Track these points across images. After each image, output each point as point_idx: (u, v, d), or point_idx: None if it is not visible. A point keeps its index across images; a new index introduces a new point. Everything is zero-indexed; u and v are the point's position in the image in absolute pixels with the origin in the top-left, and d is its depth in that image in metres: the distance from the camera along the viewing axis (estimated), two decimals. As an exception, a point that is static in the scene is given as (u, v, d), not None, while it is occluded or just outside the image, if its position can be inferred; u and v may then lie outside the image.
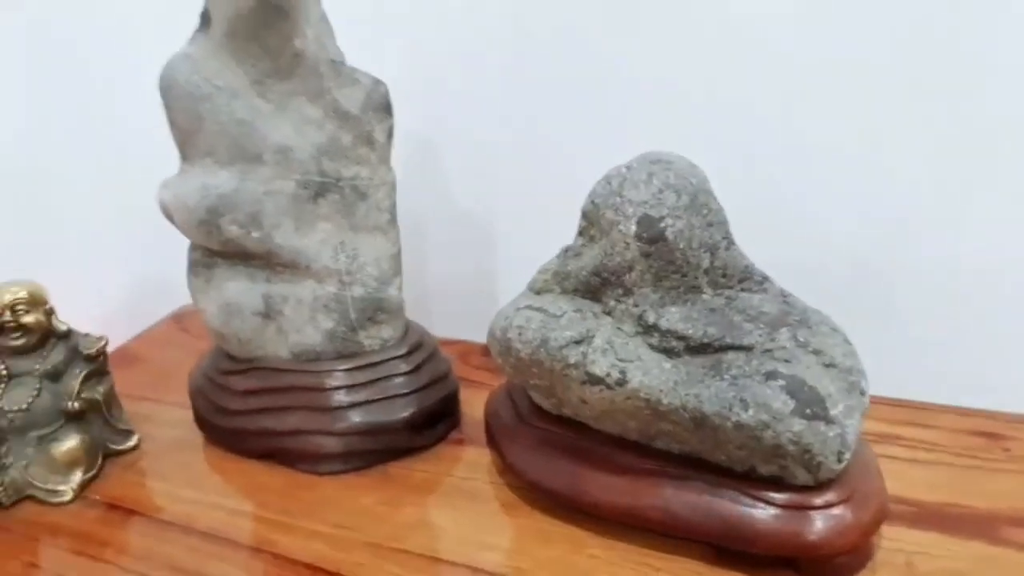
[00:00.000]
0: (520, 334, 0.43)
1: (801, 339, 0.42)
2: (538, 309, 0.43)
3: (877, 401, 0.53)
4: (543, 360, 0.42)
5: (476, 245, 0.68)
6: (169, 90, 0.47)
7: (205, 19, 0.47)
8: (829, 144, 0.55)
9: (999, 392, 0.53)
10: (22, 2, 0.61)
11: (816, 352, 0.42)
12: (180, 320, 0.72)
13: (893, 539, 0.43)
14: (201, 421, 0.54)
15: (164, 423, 0.57)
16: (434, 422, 0.52)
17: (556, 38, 0.58)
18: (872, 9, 0.51)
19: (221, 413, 0.52)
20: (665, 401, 0.40)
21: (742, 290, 0.44)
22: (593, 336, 0.42)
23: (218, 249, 0.49)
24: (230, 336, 0.51)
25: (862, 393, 0.42)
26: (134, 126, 0.57)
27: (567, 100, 0.59)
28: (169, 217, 0.49)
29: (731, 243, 0.44)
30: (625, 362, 0.41)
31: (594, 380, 0.41)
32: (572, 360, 0.41)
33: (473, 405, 0.55)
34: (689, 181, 0.42)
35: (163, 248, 0.57)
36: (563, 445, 0.46)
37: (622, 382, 0.41)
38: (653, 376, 0.41)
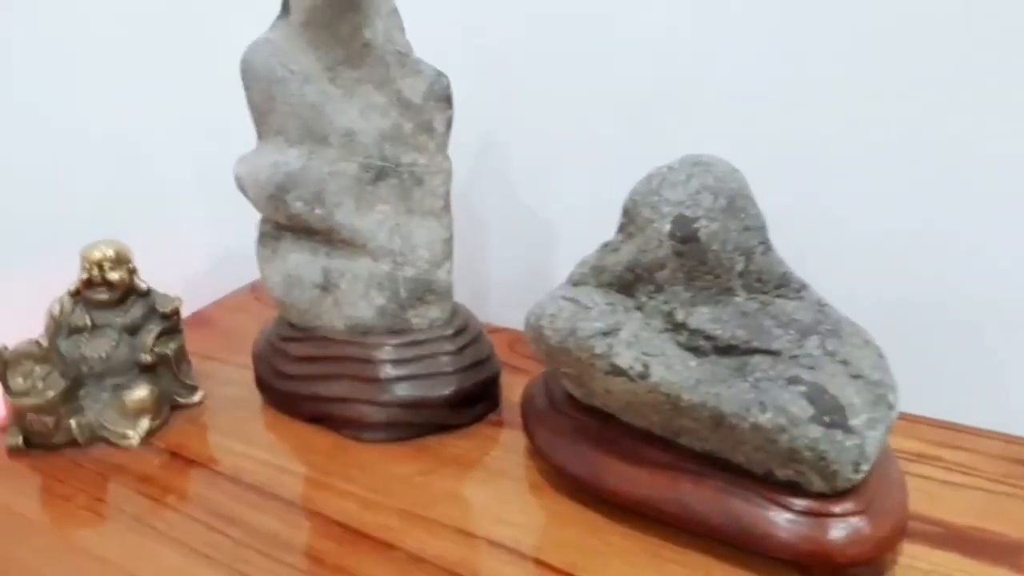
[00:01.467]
0: (551, 322, 0.45)
1: (830, 348, 0.42)
2: (571, 300, 0.45)
3: (920, 421, 0.53)
4: (571, 349, 0.44)
5: (536, 238, 0.70)
6: (248, 72, 0.50)
7: (286, 7, 0.50)
8: (889, 161, 0.54)
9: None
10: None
11: (844, 362, 0.42)
12: (256, 289, 0.76)
13: (912, 557, 0.43)
14: (261, 383, 0.58)
15: (228, 382, 0.61)
16: (473, 402, 0.55)
17: (622, 38, 0.60)
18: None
19: (278, 376, 0.56)
20: (685, 397, 0.41)
21: (778, 296, 0.45)
22: (620, 329, 0.43)
23: (284, 223, 0.53)
24: (291, 305, 0.54)
25: (890, 407, 0.42)
26: (223, 102, 0.61)
27: (628, 97, 0.60)
28: (243, 190, 0.52)
29: (768, 248, 0.44)
30: (649, 356, 0.42)
31: (617, 372, 0.42)
32: (598, 351, 0.43)
33: (515, 391, 0.56)
34: (728, 185, 0.43)
35: (248, 222, 0.61)
36: (590, 434, 0.47)
37: (644, 375, 0.42)
38: (675, 372, 0.42)
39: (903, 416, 0.52)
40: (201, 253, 0.77)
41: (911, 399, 0.51)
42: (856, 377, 0.41)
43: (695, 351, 0.43)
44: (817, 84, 0.55)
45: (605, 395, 0.45)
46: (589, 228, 0.62)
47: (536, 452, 0.51)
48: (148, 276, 0.57)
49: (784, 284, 0.45)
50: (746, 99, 0.57)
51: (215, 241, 0.76)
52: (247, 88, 0.51)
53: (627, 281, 0.45)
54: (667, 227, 0.42)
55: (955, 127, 0.52)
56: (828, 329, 0.43)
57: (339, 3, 0.48)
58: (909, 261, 0.55)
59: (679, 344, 0.43)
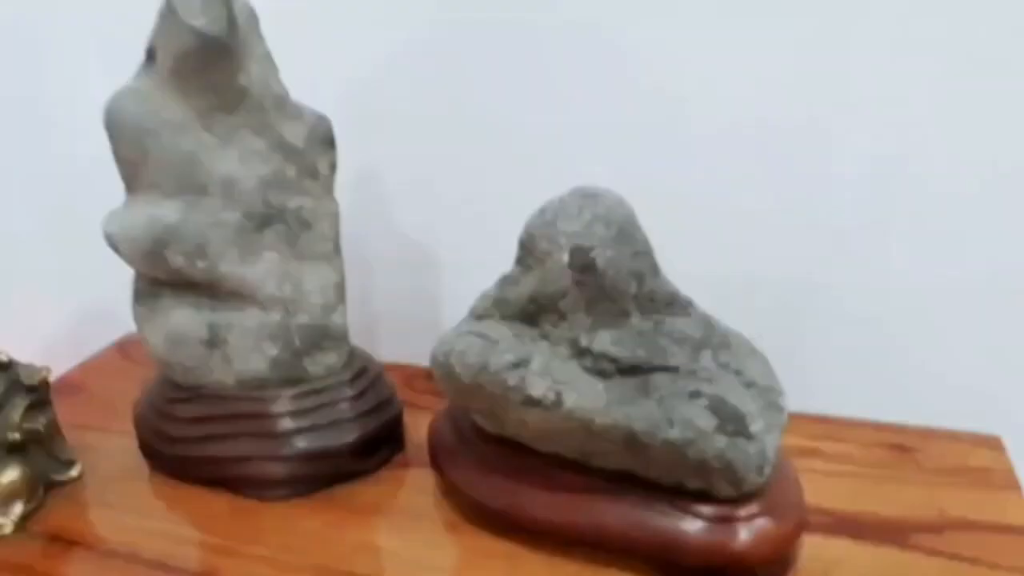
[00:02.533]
0: (461, 359, 0.45)
1: (722, 360, 0.45)
2: (478, 335, 0.45)
3: (800, 417, 0.57)
4: (484, 384, 0.44)
5: (421, 272, 0.70)
6: (114, 124, 0.48)
7: (151, 55, 0.48)
8: (754, 168, 0.58)
9: (910, 405, 0.57)
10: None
11: (737, 372, 0.44)
12: (124, 348, 0.72)
13: (813, 547, 0.46)
14: (146, 449, 0.54)
15: (108, 452, 0.57)
16: (378, 446, 0.54)
17: (497, 70, 0.61)
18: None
19: (166, 441, 0.53)
20: (598, 420, 0.43)
21: (669, 314, 0.47)
22: (531, 360, 0.44)
23: (164, 279, 0.50)
24: (175, 364, 0.52)
25: (780, 410, 0.45)
26: (81, 155, 0.57)
27: (508, 129, 0.62)
28: (115, 248, 0.49)
29: (657, 271, 0.46)
30: (561, 384, 0.43)
31: (532, 402, 0.43)
32: (511, 383, 0.43)
33: (418, 428, 0.56)
34: (617, 213, 0.45)
35: (106, 277, 0.58)
36: (503, 465, 0.48)
37: (558, 403, 0.43)
38: (587, 397, 0.43)
39: (786, 415, 0.56)
40: (58, 312, 0.71)
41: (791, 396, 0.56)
42: (749, 385, 0.44)
43: (601, 374, 0.45)
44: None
45: (519, 425, 0.46)
46: (474, 257, 0.63)
47: (449, 489, 0.50)
48: (7, 345, 0.52)
49: (673, 302, 0.47)
50: (616, 132, 0.60)
51: (75, 299, 0.71)
52: (114, 139, 0.48)
53: (530, 312, 0.46)
54: (565, 258, 0.44)
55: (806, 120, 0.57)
56: (718, 342, 0.46)
57: (210, 49, 0.46)
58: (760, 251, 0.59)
59: (585, 369, 0.45)
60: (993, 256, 0.55)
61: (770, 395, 0.45)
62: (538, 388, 0.43)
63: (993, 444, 0.54)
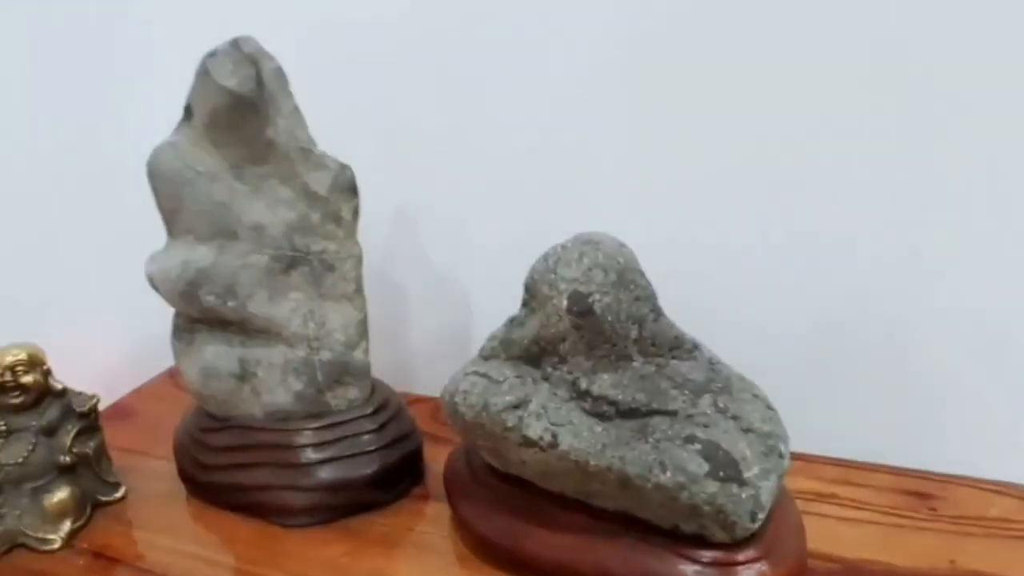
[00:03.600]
0: (465, 398, 0.47)
1: (721, 405, 0.45)
2: (482, 375, 0.47)
3: (820, 461, 0.57)
4: (484, 423, 0.46)
5: (453, 309, 0.72)
6: (154, 175, 0.52)
7: (188, 111, 0.52)
8: (771, 212, 0.58)
9: (931, 451, 0.56)
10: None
11: (735, 417, 0.45)
12: (175, 376, 0.76)
13: (815, 594, 0.46)
14: (183, 474, 0.58)
15: (151, 476, 0.61)
16: (397, 478, 0.56)
17: (536, 112, 0.63)
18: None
19: (200, 468, 0.56)
20: (592, 463, 0.44)
21: (673, 358, 0.48)
22: (530, 401, 0.45)
23: (198, 316, 0.54)
24: (208, 396, 0.55)
25: (780, 456, 0.45)
26: (133, 201, 0.62)
27: (542, 169, 0.64)
28: (155, 287, 0.53)
29: (659, 315, 0.47)
30: (557, 426, 0.45)
31: (529, 443, 0.45)
32: (510, 424, 0.45)
33: (439, 461, 0.58)
34: (616, 260, 0.46)
35: (162, 311, 0.62)
36: (510, 502, 0.49)
37: (554, 444, 0.44)
38: (583, 439, 0.44)
39: (802, 456, 0.56)
40: (118, 341, 0.76)
41: (811, 439, 0.55)
42: (747, 431, 0.45)
43: (600, 416, 0.46)
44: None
45: (521, 465, 0.47)
46: (502, 294, 0.65)
47: (461, 523, 0.52)
48: (63, 368, 0.57)
49: (677, 346, 0.48)
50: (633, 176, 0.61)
51: (134, 330, 0.76)
52: (154, 190, 0.52)
53: (533, 354, 0.47)
54: (564, 303, 0.45)
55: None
56: (719, 387, 0.46)
57: (240, 106, 0.50)
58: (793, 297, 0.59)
59: (585, 411, 0.46)
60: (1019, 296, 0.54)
61: (769, 440, 0.45)
62: (534, 429, 0.45)
63: (1017, 493, 0.53)
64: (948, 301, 0.55)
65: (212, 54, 0.50)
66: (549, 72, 0.61)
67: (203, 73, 0.50)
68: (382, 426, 0.56)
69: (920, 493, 0.53)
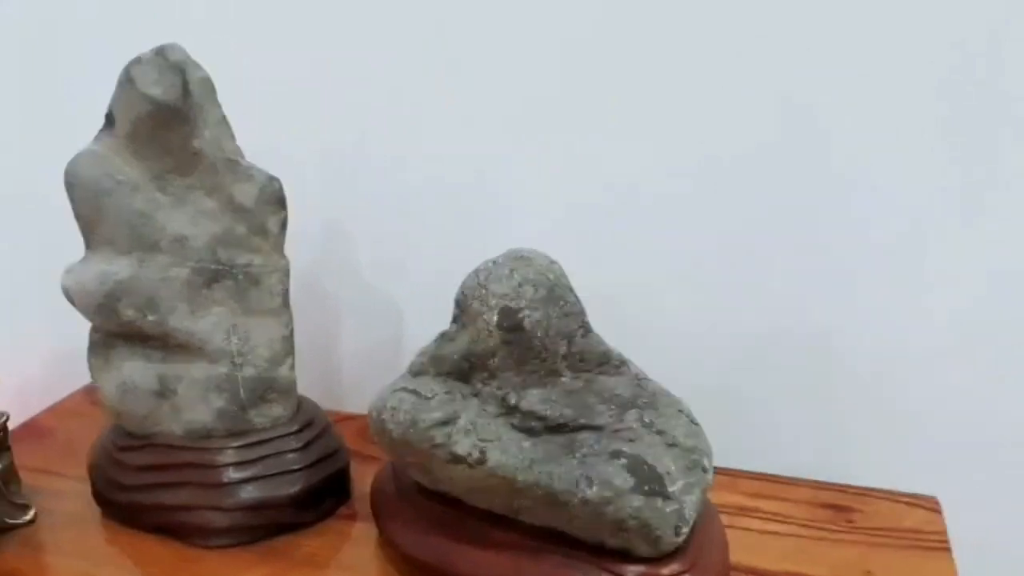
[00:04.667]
0: (393, 415, 0.46)
1: (647, 420, 0.46)
2: (411, 391, 0.47)
3: (737, 474, 0.58)
4: (412, 440, 0.45)
5: (382, 326, 0.71)
6: (73, 184, 0.50)
7: (110, 119, 0.50)
8: (691, 239, 0.60)
9: (850, 465, 0.58)
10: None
11: (660, 432, 0.46)
12: (92, 392, 0.73)
13: (736, 606, 0.47)
14: (99, 496, 0.56)
15: (65, 497, 0.58)
16: (322, 498, 0.55)
17: (455, 128, 0.63)
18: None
19: (117, 488, 0.54)
20: (520, 479, 0.44)
21: (600, 373, 0.48)
22: (458, 417, 0.45)
23: (116, 331, 0.52)
24: (126, 414, 0.53)
25: (704, 470, 0.46)
26: (48, 211, 0.60)
27: (471, 185, 0.64)
28: (71, 300, 0.51)
29: (588, 331, 0.48)
30: (485, 442, 0.44)
31: (456, 459, 0.44)
32: (438, 440, 0.45)
33: (366, 480, 0.57)
34: (546, 276, 0.46)
35: (79, 325, 0.60)
36: (437, 519, 0.49)
37: (481, 461, 0.44)
38: (511, 455, 0.44)
39: (725, 471, 0.57)
40: (31, 357, 0.73)
41: (733, 454, 0.57)
42: (672, 446, 0.45)
43: (528, 432, 0.46)
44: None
45: (449, 481, 0.47)
46: (432, 310, 0.64)
47: (386, 542, 0.51)
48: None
49: (605, 361, 0.48)
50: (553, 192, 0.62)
51: (45, 344, 0.73)
52: (73, 200, 0.50)
53: (463, 369, 0.47)
54: (495, 318, 0.45)
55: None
56: (645, 402, 0.47)
57: (165, 115, 0.49)
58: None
59: (513, 427, 0.46)
60: (933, 317, 0.56)
61: (693, 455, 0.46)
62: (463, 446, 0.44)
63: (930, 504, 0.55)
64: (865, 319, 0.57)
65: (136, 61, 0.49)
66: (480, 87, 0.61)
67: (126, 80, 0.49)
68: (307, 444, 0.55)
69: (838, 506, 0.55)
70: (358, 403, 0.68)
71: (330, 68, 0.64)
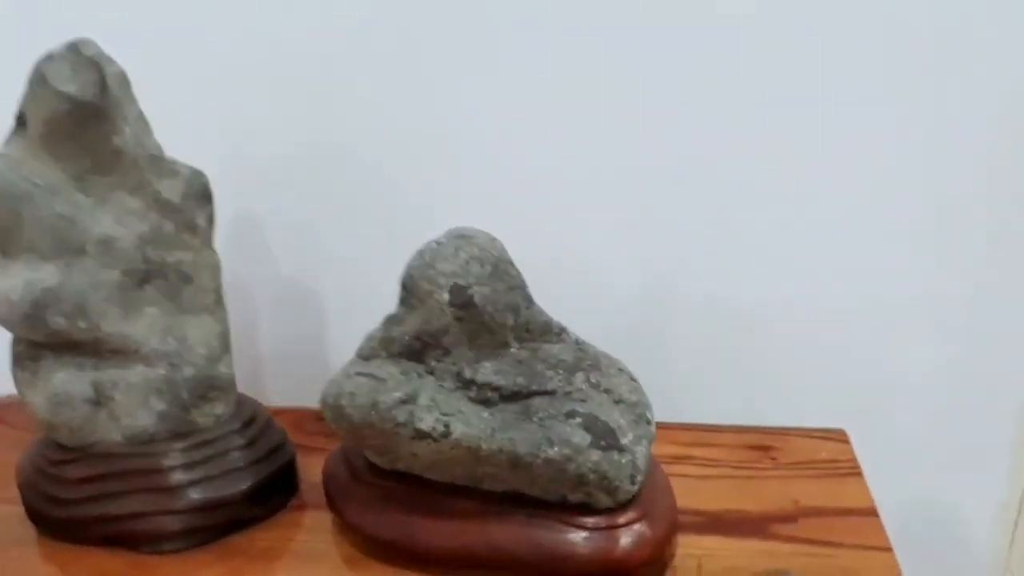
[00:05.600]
0: (352, 400, 0.47)
1: (594, 381, 0.49)
2: (367, 375, 0.48)
3: (671, 427, 0.62)
4: (374, 422, 0.46)
5: (304, 316, 0.71)
6: (-15, 190, 0.47)
7: (21, 120, 0.48)
8: (613, 207, 0.63)
9: (768, 410, 0.63)
10: None
11: (607, 391, 0.49)
12: (-2, 413, 0.70)
13: (686, 546, 0.51)
14: (34, 514, 0.53)
15: (-12, 522, 0.55)
16: (273, 492, 0.55)
17: (376, 115, 0.63)
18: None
19: (55, 504, 0.52)
20: (484, 447, 0.46)
21: (544, 342, 0.51)
22: (418, 395, 0.46)
23: (44, 341, 0.50)
24: (60, 426, 0.51)
25: (648, 423, 0.49)
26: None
27: (385, 171, 0.64)
28: (-11, 313, 0.49)
29: (531, 302, 0.50)
30: (448, 416, 0.46)
31: (421, 435, 0.46)
32: (401, 419, 0.46)
33: (310, 470, 0.58)
34: (491, 252, 0.48)
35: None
36: (397, 498, 0.50)
37: (446, 434, 0.46)
38: (473, 426, 0.46)
39: (660, 425, 0.60)
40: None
41: (667, 409, 0.60)
42: (618, 402, 0.48)
43: (485, 403, 0.48)
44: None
45: (411, 458, 0.48)
46: (355, 300, 0.65)
47: (346, 527, 0.52)
48: None
49: (547, 331, 0.51)
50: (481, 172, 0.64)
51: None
52: (-15, 207, 0.48)
53: (415, 349, 0.48)
54: (446, 296, 0.47)
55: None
56: (589, 364, 0.50)
57: (82, 113, 0.47)
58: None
59: (471, 399, 0.48)
60: (826, 271, 0.62)
61: (638, 409, 0.49)
62: (427, 422, 0.46)
63: (839, 437, 0.60)
64: (779, 285, 0.62)
65: (48, 58, 0.46)
66: (402, 69, 0.62)
67: (38, 79, 0.46)
68: (252, 440, 0.55)
69: (762, 447, 0.60)
70: (284, 397, 0.68)
71: (233, 52, 0.62)
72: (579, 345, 0.51)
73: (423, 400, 0.46)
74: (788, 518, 0.53)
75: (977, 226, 0.60)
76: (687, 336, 0.64)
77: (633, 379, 0.51)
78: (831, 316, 0.62)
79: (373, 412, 0.46)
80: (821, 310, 0.62)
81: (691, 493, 0.54)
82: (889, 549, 0.50)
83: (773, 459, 0.58)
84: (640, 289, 0.64)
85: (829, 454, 0.59)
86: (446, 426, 0.46)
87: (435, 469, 0.48)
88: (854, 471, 0.57)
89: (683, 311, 0.64)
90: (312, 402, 0.67)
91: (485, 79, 0.61)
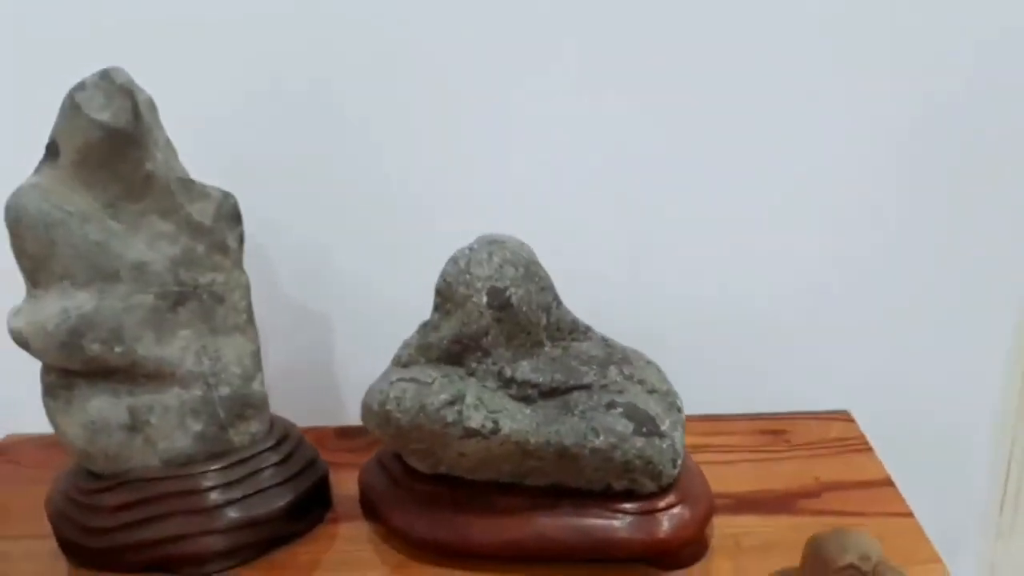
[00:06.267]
0: (399, 404, 0.48)
1: (627, 373, 0.51)
2: (411, 380, 0.49)
3: (690, 419, 0.64)
4: (423, 424, 0.48)
5: (313, 338, 0.71)
6: (19, 220, 0.47)
7: (52, 150, 0.49)
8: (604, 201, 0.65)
9: (777, 396, 0.66)
10: None
11: (640, 382, 0.51)
12: (4, 452, 0.68)
13: (721, 526, 0.53)
14: (68, 546, 0.53)
15: (18, 558, 0.54)
16: (310, 507, 0.55)
17: (388, 137, 0.65)
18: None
19: (91, 533, 0.51)
20: (532, 441, 0.47)
21: (573, 340, 0.53)
22: (464, 395, 0.48)
23: (79, 368, 0.50)
24: (96, 453, 0.51)
25: (679, 410, 0.52)
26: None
27: (399, 199, 0.66)
28: (24, 343, 0.49)
29: (559, 302, 0.52)
30: (495, 413, 0.48)
31: (471, 433, 0.47)
32: (450, 419, 0.47)
33: (339, 485, 0.58)
34: (521, 255, 0.50)
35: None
36: (443, 500, 0.51)
37: (495, 431, 0.47)
38: (519, 421, 0.48)
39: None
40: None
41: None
42: (652, 392, 0.51)
43: (526, 400, 0.49)
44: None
45: (456, 459, 0.49)
46: (362, 322, 0.66)
47: (389, 534, 0.53)
48: None
49: (575, 329, 0.53)
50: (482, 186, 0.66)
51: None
52: (18, 237, 0.48)
53: (454, 352, 0.50)
54: (484, 299, 0.48)
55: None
56: (620, 358, 0.52)
57: (116, 140, 0.48)
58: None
59: (512, 397, 0.49)
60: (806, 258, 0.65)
61: (669, 398, 0.51)
62: (475, 420, 0.47)
63: (844, 418, 0.64)
64: (777, 286, 0.66)
65: (80, 87, 0.47)
66: (417, 103, 0.63)
67: (71, 108, 0.47)
68: (287, 457, 0.55)
69: (775, 431, 0.63)
70: (294, 417, 0.68)
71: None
72: (606, 341, 0.53)
73: (470, 399, 0.48)
74: (812, 494, 0.55)
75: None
76: (696, 336, 0.67)
77: (660, 370, 0.53)
78: (829, 309, 0.66)
79: (421, 414, 0.48)
80: (819, 313, 0.66)
81: (716, 478, 0.56)
82: (910, 515, 0.53)
83: (787, 441, 0.61)
84: (659, 295, 0.66)
85: (838, 433, 0.62)
86: (495, 423, 0.47)
87: (481, 468, 0.50)
88: (865, 447, 0.60)
89: (697, 314, 0.66)
90: (327, 420, 0.68)
91: (490, 106, 0.63)
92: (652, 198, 0.64)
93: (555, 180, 0.64)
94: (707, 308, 0.67)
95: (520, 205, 0.63)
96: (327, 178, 0.66)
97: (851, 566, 0.35)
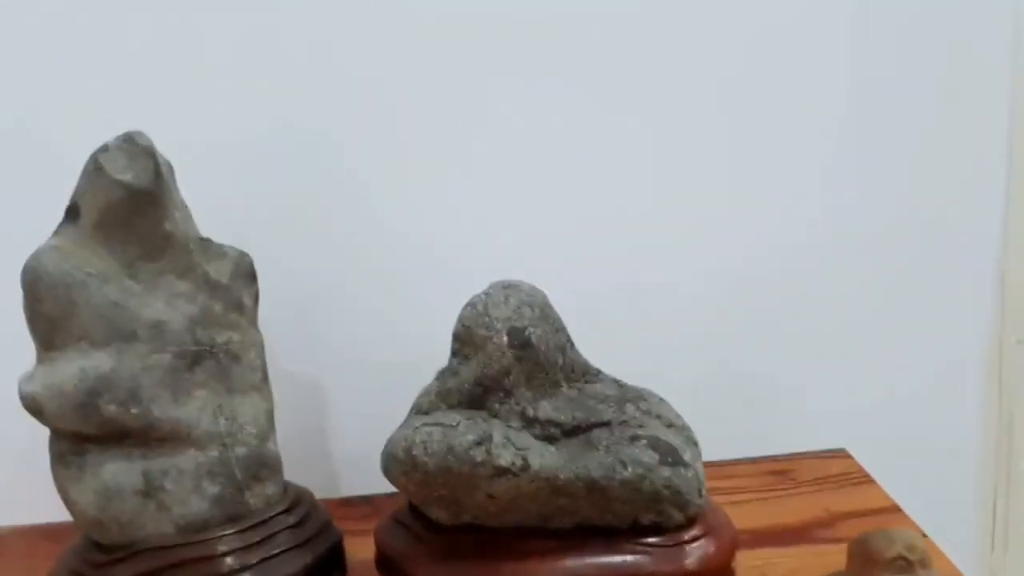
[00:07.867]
0: (425, 449, 0.48)
1: (644, 408, 0.52)
2: (435, 424, 0.49)
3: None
4: (451, 466, 0.48)
5: (307, 407, 0.71)
6: (39, 281, 0.47)
7: (72, 212, 0.49)
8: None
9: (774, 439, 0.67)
10: None
11: (657, 416, 0.52)
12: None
13: (746, 559, 0.53)
14: (77, 625, 0.50)
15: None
16: (327, 570, 0.54)
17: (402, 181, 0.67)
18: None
19: (103, 609, 0.49)
20: (562, 476, 0.48)
21: (586, 382, 0.54)
22: (491, 434, 0.48)
23: (93, 432, 0.49)
24: (109, 522, 0.49)
25: (695, 444, 0.53)
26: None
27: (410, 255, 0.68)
28: (37, 409, 0.48)
29: (572, 344, 0.54)
30: (524, 450, 0.48)
31: (501, 472, 0.47)
32: (479, 459, 0.47)
33: (349, 549, 0.57)
34: (536, 298, 0.52)
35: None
36: (468, 548, 0.51)
37: (525, 467, 0.48)
38: (548, 458, 0.48)
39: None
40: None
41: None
42: (670, 426, 0.52)
43: (548, 439, 0.50)
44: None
45: (484, 503, 0.49)
46: (352, 391, 0.66)
47: (417, 590, 0.52)
48: None
49: (587, 371, 0.54)
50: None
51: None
52: (37, 299, 0.47)
53: (476, 395, 0.50)
54: (504, 339, 0.50)
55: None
56: (634, 395, 0.53)
57: (138, 201, 0.49)
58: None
59: (536, 436, 0.50)
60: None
61: (685, 432, 0.52)
62: (505, 458, 0.48)
63: (843, 455, 0.66)
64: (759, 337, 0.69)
65: (104, 149, 0.48)
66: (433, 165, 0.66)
67: (94, 169, 0.48)
68: (302, 520, 0.54)
69: (778, 471, 0.64)
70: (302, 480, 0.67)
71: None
72: (617, 382, 0.55)
73: (498, 438, 0.48)
74: (825, 524, 0.57)
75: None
76: (692, 383, 0.68)
77: (672, 407, 0.54)
78: (817, 365, 0.69)
79: (450, 456, 0.48)
80: (812, 362, 0.69)
81: (731, 517, 0.57)
82: (924, 536, 0.54)
83: (792, 480, 0.63)
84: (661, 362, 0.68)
85: (839, 469, 0.64)
86: (524, 459, 0.48)
87: (508, 512, 0.50)
88: (867, 479, 0.62)
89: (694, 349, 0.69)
90: (323, 492, 0.66)
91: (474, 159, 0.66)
92: (650, 245, 0.67)
93: (552, 226, 0.67)
94: (705, 368, 0.69)
95: (520, 256, 0.66)
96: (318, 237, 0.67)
97: (900, 557, 0.36)
